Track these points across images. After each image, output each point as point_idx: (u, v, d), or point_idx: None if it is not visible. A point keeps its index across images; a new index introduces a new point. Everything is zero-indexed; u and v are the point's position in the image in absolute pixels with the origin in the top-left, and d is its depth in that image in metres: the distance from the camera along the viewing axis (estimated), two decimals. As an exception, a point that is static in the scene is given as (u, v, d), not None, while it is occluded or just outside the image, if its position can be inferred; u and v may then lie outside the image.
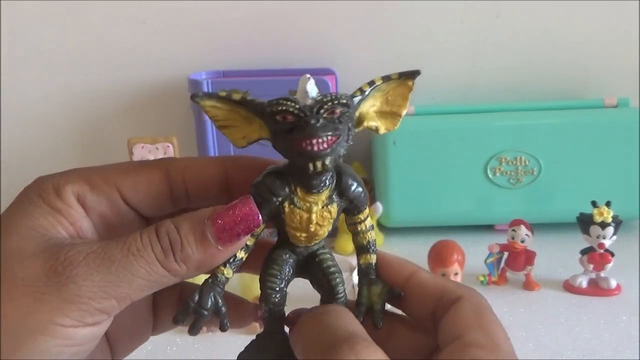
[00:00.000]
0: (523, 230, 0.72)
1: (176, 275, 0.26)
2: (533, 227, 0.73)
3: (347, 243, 0.85)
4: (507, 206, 0.87)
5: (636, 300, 0.69)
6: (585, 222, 0.70)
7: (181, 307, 0.27)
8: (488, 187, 0.87)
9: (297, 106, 0.25)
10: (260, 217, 0.26)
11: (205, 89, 0.85)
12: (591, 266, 0.71)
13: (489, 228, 0.89)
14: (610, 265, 0.71)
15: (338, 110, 0.25)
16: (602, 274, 0.72)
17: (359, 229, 0.30)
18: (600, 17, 0.95)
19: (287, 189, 0.26)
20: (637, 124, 0.85)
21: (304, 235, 0.28)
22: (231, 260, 0.27)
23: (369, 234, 0.30)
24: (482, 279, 0.74)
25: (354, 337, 0.24)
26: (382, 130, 0.28)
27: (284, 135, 0.25)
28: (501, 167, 0.86)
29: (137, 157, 0.85)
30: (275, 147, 0.26)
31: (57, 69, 0.99)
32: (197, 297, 0.27)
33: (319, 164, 0.25)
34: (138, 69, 0.98)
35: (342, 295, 0.29)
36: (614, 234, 0.69)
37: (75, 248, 0.25)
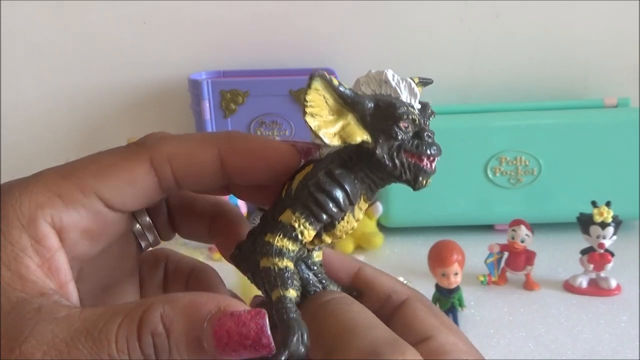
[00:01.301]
0: (523, 230, 0.72)
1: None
2: (533, 227, 0.73)
3: (347, 243, 0.85)
4: (507, 206, 0.87)
5: (636, 300, 0.69)
6: (585, 222, 0.70)
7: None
8: (488, 187, 0.87)
9: (417, 114, 0.24)
10: (273, 344, 0.21)
11: (205, 89, 0.85)
12: (591, 266, 0.71)
13: (489, 228, 0.89)
14: (610, 265, 0.71)
15: (432, 118, 0.25)
16: (602, 274, 0.71)
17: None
18: (600, 17, 0.95)
19: (360, 198, 0.25)
20: (637, 124, 0.84)
21: (335, 241, 0.26)
22: (293, 282, 0.24)
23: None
24: (482, 279, 0.74)
25: (397, 340, 0.22)
26: None
27: (403, 145, 0.24)
28: (501, 167, 0.86)
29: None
30: (381, 153, 0.24)
31: (57, 69, 0.98)
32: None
33: (429, 182, 0.25)
34: (138, 69, 0.98)
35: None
36: (614, 234, 0.69)
37: (35, 336, 0.20)
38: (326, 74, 0.23)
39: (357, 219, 0.25)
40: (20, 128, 1.00)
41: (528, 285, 0.73)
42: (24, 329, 0.20)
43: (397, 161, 0.24)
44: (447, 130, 0.86)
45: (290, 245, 0.24)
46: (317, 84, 0.23)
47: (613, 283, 0.71)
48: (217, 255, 0.85)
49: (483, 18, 0.96)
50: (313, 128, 0.24)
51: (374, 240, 0.84)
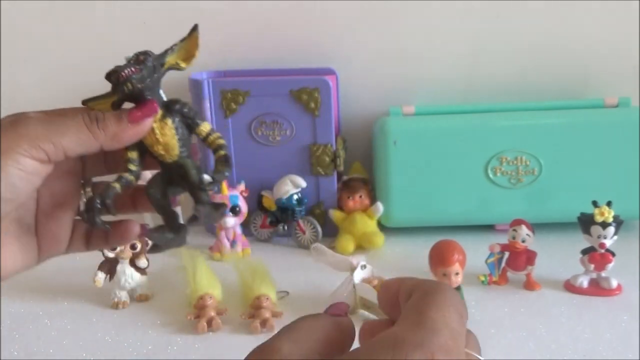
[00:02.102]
0: (524, 230, 0.72)
1: (96, 139, 0.36)
2: (534, 227, 0.73)
3: (347, 243, 0.85)
4: (508, 206, 0.87)
5: (637, 300, 0.69)
6: (586, 222, 0.70)
7: (85, 205, 0.39)
8: (489, 187, 0.87)
9: (116, 66, 0.38)
10: (158, 108, 0.38)
11: (206, 89, 0.85)
12: (592, 266, 0.71)
13: (489, 228, 0.89)
14: (611, 265, 0.71)
15: (142, 57, 0.40)
16: (603, 274, 0.71)
17: (210, 140, 0.40)
18: (600, 17, 0.95)
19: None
20: (638, 124, 0.84)
21: (160, 147, 0.38)
22: (122, 180, 0.38)
23: (218, 140, 0.40)
24: (482, 278, 0.73)
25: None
26: (183, 66, 0.42)
27: (115, 83, 0.38)
28: (502, 167, 0.86)
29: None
30: (116, 91, 0.38)
31: (57, 69, 0.98)
32: (94, 197, 0.38)
33: (129, 85, 0.37)
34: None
35: (196, 179, 0.39)
36: (615, 233, 0.69)
37: (29, 114, 0.36)
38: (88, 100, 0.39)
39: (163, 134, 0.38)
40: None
41: (529, 285, 0.73)
42: (22, 114, 0.36)
43: (118, 90, 0.38)
44: (447, 130, 0.87)
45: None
46: (92, 105, 0.39)
47: (614, 283, 0.71)
48: (217, 255, 0.85)
49: (483, 18, 0.96)
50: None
51: (374, 240, 0.84)
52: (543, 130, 0.86)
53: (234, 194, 0.84)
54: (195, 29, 0.42)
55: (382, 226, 0.89)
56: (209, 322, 0.65)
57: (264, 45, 0.97)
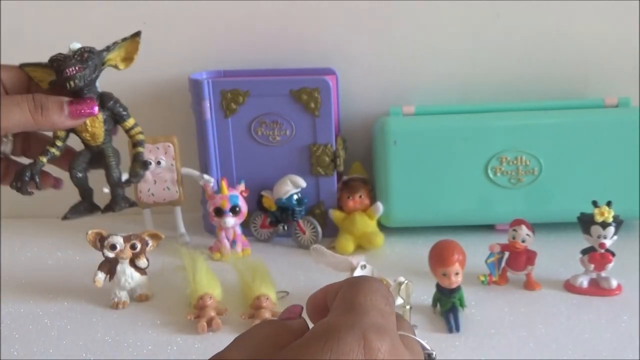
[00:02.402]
0: (524, 230, 0.72)
1: (37, 124, 0.43)
2: (534, 227, 0.73)
3: (347, 243, 0.85)
4: (508, 206, 0.87)
5: (637, 300, 0.69)
6: (586, 222, 0.70)
7: (15, 175, 0.45)
8: (489, 187, 0.87)
9: (62, 55, 0.46)
10: (97, 111, 0.45)
11: (206, 89, 0.85)
12: (592, 266, 0.71)
13: (489, 228, 0.89)
14: (611, 265, 0.71)
15: (86, 55, 0.46)
16: (603, 274, 0.71)
17: (131, 133, 0.47)
18: (600, 17, 0.95)
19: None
20: (638, 124, 0.84)
21: (87, 135, 0.46)
22: (48, 154, 0.46)
23: (138, 135, 0.47)
24: (482, 278, 0.74)
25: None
26: (121, 67, 0.51)
27: (59, 74, 0.45)
28: (502, 167, 0.86)
29: (137, 157, 0.85)
30: (58, 81, 0.45)
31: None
32: (25, 169, 0.45)
33: (72, 83, 0.44)
34: (138, 68, 0.98)
35: (116, 168, 0.47)
36: (615, 233, 0.69)
37: None
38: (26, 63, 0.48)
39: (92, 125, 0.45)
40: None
41: (529, 285, 0.73)
42: None
43: (60, 79, 0.46)
44: (447, 130, 0.87)
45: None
46: (27, 69, 0.48)
47: (614, 283, 0.71)
48: (217, 255, 0.85)
49: (483, 18, 0.96)
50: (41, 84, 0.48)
51: (374, 240, 0.84)
52: (543, 130, 0.86)
53: (234, 194, 0.84)
54: (138, 34, 0.50)
55: (382, 226, 0.89)
56: (209, 322, 0.65)
57: (264, 45, 0.97)
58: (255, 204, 0.89)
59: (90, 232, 0.71)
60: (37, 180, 0.45)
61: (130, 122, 0.47)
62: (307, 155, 0.88)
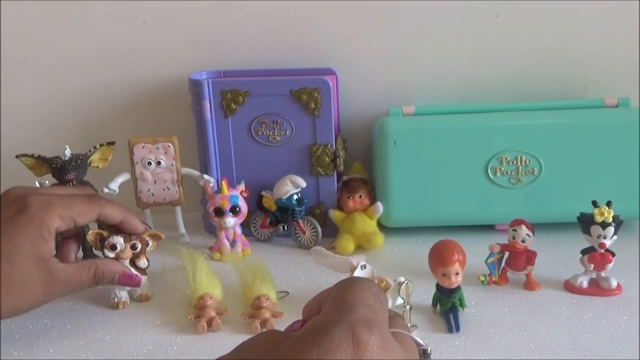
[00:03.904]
0: (524, 230, 0.72)
1: (92, 286, 0.64)
2: (534, 227, 0.73)
3: (347, 243, 0.85)
4: (508, 206, 0.87)
5: (637, 300, 0.69)
6: (585, 222, 0.70)
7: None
8: (488, 187, 0.87)
9: (61, 161, 0.72)
10: (140, 282, 0.68)
11: (206, 89, 0.86)
12: (592, 266, 0.71)
13: (489, 228, 0.89)
14: (611, 265, 0.71)
15: (79, 161, 0.71)
16: (603, 274, 0.71)
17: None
18: (600, 17, 0.95)
19: None
20: (638, 124, 0.85)
21: None
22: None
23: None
24: (482, 278, 0.74)
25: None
26: (100, 166, 0.78)
27: (57, 173, 0.73)
28: (502, 167, 0.86)
29: (137, 157, 0.85)
30: (54, 176, 0.73)
31: (57, 69, 0.98)
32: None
33: (70, 184, 0.67)
34: (138, 68, 0.98)
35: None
36: (615, 233, 0.69)
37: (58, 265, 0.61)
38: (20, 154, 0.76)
39: None
40: (20, 128, 1.00)
41: (529, 285, 0.73)
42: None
43: (57, 177, 0.76)
44: (447, 130, 0.87)
45: None
46: (22, 159, 0.77)
47: (614, 283, 0.71)
48: (217, 255, 0.85)
49: (483, 18, 0.96)
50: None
51: (374, 240, 0.84)
52: (543, 130, 0.86)
53: (234, 194, 0.84)
54: (112, 143, 0.78)
55: (382, 226, 0.89)
56: (209, 322, 0.65)
57: (264, 45, 0.97)
58: (255, 204, 0.89)
59: (90, 232, 0.71)
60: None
61: None
62: (307, 155, 0.88)
